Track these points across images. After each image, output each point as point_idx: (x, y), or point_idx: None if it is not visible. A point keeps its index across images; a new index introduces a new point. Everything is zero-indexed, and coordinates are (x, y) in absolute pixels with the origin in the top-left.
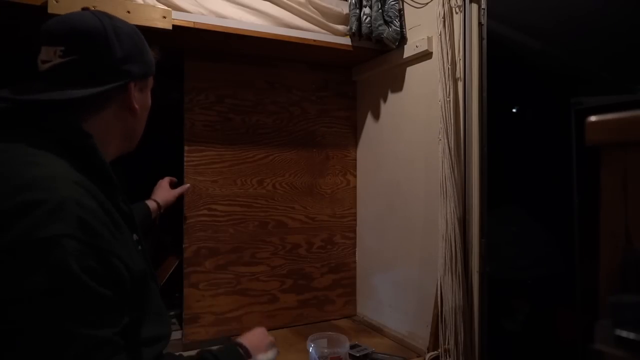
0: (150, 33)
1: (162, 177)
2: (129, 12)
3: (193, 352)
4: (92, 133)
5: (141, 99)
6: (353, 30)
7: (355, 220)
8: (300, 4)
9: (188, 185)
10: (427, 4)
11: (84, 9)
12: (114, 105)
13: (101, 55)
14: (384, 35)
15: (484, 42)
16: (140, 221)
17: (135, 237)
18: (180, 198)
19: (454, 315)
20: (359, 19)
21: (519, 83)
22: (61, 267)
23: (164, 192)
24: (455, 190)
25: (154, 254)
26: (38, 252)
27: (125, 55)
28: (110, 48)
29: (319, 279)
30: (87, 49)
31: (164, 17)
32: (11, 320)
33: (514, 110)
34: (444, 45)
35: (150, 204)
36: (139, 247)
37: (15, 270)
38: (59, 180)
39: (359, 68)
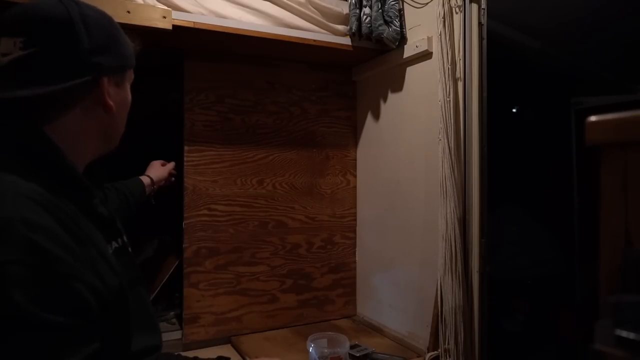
0: (150, 33)
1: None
2: (129, 12)
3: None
4: (60, 135)
5: (117, 94)
6: (353, 30)
7: (355, 220)
8: (300, 4)
9: (173, 162)
10: (427, 4)
11: None
12: (85, 102)
13: (66, 46)
14: (384, 35)
15: (484, 42)
16: (137, 198)
17: (115, 244)
18: (180, 198)
19: (454, 315)
20: (359, 19)
21: (519, 83)
22: (3, 300)
23: (156, 170)
24: (455, 190)
25: (154, 254)
26: None
27: (95, 47)
28: (76, 38)
29: (319, 279)
30: (50, 39)
31: (164, 17)
32: None
33: (514, 110)
34: (444, 45)
35: (144, 179)
36: (121, 255)
37: None
38: (6, 196)
39: (359, 68)
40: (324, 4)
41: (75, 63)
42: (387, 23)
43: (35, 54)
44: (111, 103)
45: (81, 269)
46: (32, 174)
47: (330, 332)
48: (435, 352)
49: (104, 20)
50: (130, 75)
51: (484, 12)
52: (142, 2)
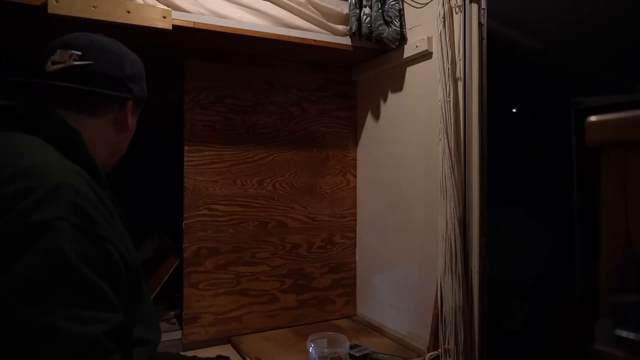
0: (150, 33)
1: (162, 178)
2: (129, 12)
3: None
4: (84, 135)
5: (131, 121)
6: (353, 30)
7: (355, 220)
8: (300, 4)
9: None
10: (427, 4)
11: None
12: (111, 116)
13: (113, 66)
14: (384, 35)
15: (484, 42)
16: None
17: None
18: (180, 198)
19: (454, 315)
20: (359, 19)
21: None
22: (53, 252)
23: None
24: (455, 190)
25: (154, 254)
26: (28, 236)
27: (132, 75)
28: (121, 64)
29: (319, 279)
30: (102, 58)
31: (164, 17)
32: None
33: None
34: (444, 45)
35: None
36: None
37: (3, 257)
38: (54, 167)
39: (359, 68)
40: (324, 4)
41: (117, 80)
42: (387, 23)
43: (87, 66)
44: (129, 120)
45: (114, 237)
46: (65, 156)
47: (330, 332)
48: (435, 352)
49: (138, 59)
50: (139, 111)
51: (484, 12)
52: (142, 2)
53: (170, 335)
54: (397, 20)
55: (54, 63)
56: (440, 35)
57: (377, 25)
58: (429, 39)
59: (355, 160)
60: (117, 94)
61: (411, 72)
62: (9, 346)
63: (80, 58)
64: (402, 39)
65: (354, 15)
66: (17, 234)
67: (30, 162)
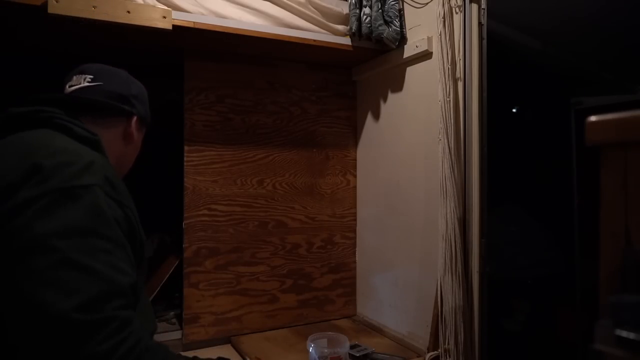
0: (150, 33)
1: (161, 178)
2: (129, 12)
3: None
4: None
5: (137, 136)
6: (353, 30)
7: (355, 220)
8: (300, 4)
9: None
10: (427, 4)
11: None
12: (118, 128)
13: (120, 85)
14: (384, 35)
15: (484, 42)
16: None
17: None
18: (180, 198)
19: (454, 315)
20: (359, 19)
21: (519, 83)
22: (95, 208)
23: None
24: (455, 190)
25: (154, 254)
26: (74, 194)
27: (137, 95)
28: (128, 84)
29: (319, 279)
30: (111, 79)
31: (164, 17)
32: (44, 254)
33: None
34: (444, 45)
35: None
36: None
37: (54, 209)
38: (84, 150)
39: (359, 68)
40: (324, 4)
41: (124, 97)
42: (387, 23)
43: (97, 85)
44: (134, 134)
45: (134, 208)
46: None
47: (330, 332)
48: (435, 352)
49: (142, 88)
50: (144, 132)
51: (484, 12)
52: (142, 2)
53: (170, 336)
54: (397, 20)
55: (70, 86)
56: (440, 35)
57: (377, 25)
58: (429, 39)
59: (355, 160)
60: (123, 107)
61: (411, 72)
62: (50, 282)
63: (92, 80)
64: (402, 39)
65: (354, 15)
66: (65, 192)
67: (63, 145)
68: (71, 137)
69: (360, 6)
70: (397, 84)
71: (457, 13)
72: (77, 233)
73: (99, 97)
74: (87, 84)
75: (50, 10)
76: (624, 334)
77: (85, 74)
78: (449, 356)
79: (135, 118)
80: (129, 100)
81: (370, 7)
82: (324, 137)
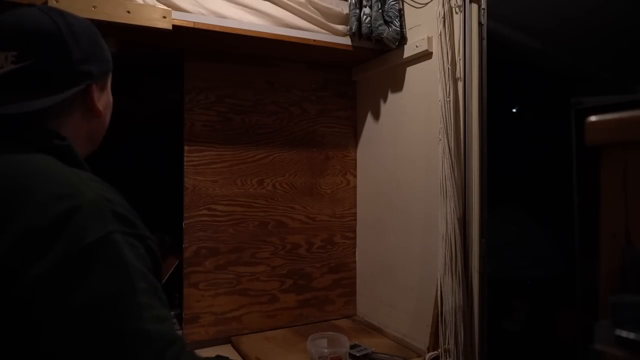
0: (150, 33)
1: (161, 178)
2: (129, 12)
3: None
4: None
5: (102, 98)
6: (353, 30)
7: (355, 220)
8: (300, 4)
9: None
10: (427, 4)
11: (31, 5)
12: (77, 109)
13: (58, 58)
14: (384, 35)
15: (484, 42)
16: None
17: None
18: (180, 198)
19: (454, 315)
20: (359, 19)
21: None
22: (119, 264)
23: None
24: (455, 190)
25: None
26: (90, 255)
27: (84, 56)
28: (67, 50)
29: (319, 279)
30: (42, 52)
31: (164, 17)
32: (69, 334)
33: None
34: (444, 45)
35: None
36: None
37: (73, 280)
38: (78, 183)
39: (359, 68)
40: (324, 4)
41: (69, 74)
42: (387, 23)
43: (28, 67)
44: (100, 108)
45: (147, 232)
46: (66, 164)
47: (330, 332)
48: (435, 352)
49: (88, 27)
50: (109, 78)
51: (484, 12)
52: (142, 2)
53: None
54: (397, 20)
55: None
56: (440, 35)
57: (377, 25)
58: (429, 39)
59: (355, 160)
60: (72, 91)
61: (411, 72)
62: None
63: (18, 58)
64: (402, 39)
65: (354, 15)
66: (79, 257)
67: (52, 182)
68: (44, 152)
69: (360, 6)
70: (397, 84)
71: (457, 13)
72: (111, 299)
73: (35, 87)
74: (13, 66)
75: None
76: (624, 334)
77: (4, 50)
78: (449, 356)
79: (92, 86)
80: (76, 72)
81: (370, 7)
82: (324, 137)
